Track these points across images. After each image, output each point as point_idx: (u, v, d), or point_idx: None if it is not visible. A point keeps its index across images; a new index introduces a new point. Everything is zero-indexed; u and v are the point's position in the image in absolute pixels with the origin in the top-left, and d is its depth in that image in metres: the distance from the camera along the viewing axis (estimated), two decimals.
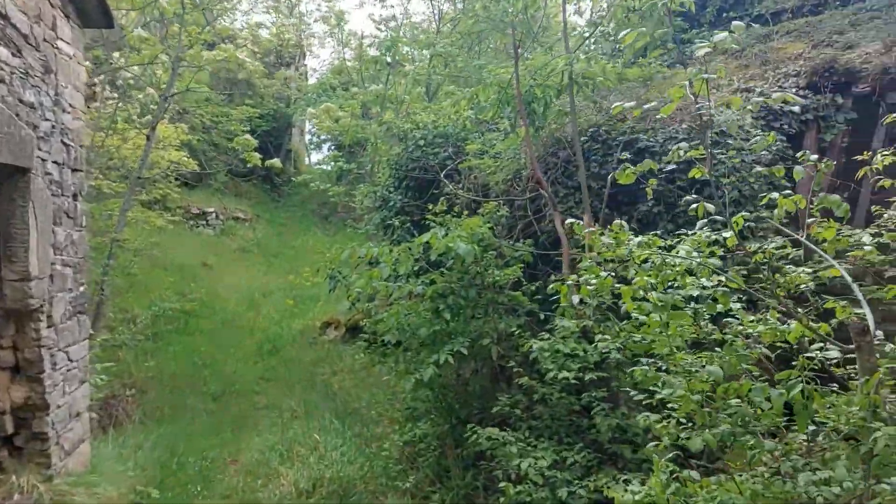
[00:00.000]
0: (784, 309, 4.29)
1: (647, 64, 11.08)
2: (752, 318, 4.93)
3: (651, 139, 9.52)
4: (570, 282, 4.87)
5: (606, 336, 7.14)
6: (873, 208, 7.13)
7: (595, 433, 7.92)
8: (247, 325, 18.94)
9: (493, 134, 11.67)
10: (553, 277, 9.33)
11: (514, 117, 9.80)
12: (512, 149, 10.37)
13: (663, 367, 6.43)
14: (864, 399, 3.92)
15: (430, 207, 10.04)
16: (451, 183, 11.14)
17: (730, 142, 9.38)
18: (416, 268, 9.80)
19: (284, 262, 24.49)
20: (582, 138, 10.09)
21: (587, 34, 11.01)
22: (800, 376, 3.86)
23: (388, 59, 15.43)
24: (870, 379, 4.10)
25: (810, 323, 3.93)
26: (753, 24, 13.68)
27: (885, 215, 6.16)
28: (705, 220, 4.96)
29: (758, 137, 4.87)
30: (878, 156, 5.61)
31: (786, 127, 10.12)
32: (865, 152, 5.73)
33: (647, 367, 4.93)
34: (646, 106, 4.90)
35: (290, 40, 20.87)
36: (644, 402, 6.56)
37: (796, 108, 10.19)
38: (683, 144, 4.76)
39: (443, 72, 14.41)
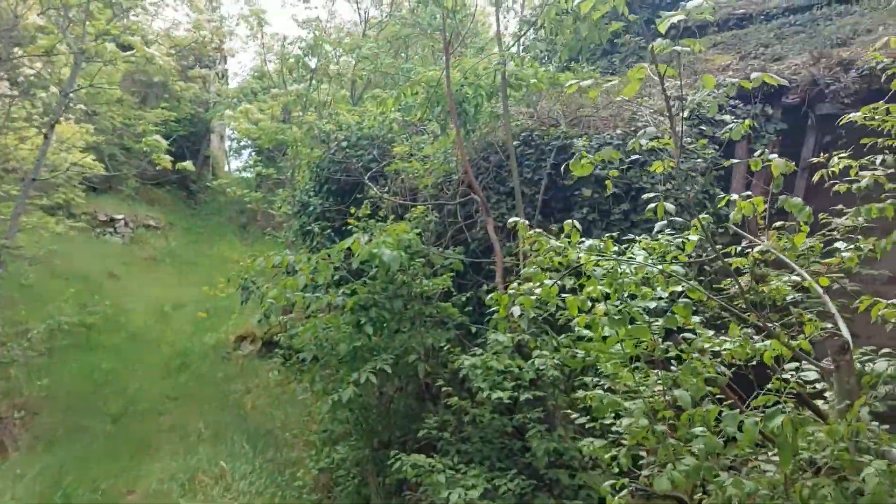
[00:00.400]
0: (760, 323, 3.74)
1: (580, 69, 10.65)
2: (711, 333, 4.39)
3: (585, 144, 9.03)
4: (511, 291, 4.19)
5: (544, 352, 6.53)
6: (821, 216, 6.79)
7: (530, 457, 7.30)
8: (155, 339, 17.63)
9: (421, 137, 11.00)
10: (485, 287, 8.70)
11: (445, 118, 9.18)
12: (441, 152, 9.72)
13: (606, 387, 5.87)
14: (847, 427, 3.40)
15: (354, 212, 9.26)
16: (376, 186, 10.40)
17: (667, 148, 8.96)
18: (336, 277, 9.00)
19: (199, 272, 23.19)
20: (514, 143, 9.53)
21: (521, 33, 10.51)
22: (778, 402, 3.29)
23: (311, 63, 14.62)
24: (851, 404, 3.58)
25: (787, 340, 3.37)
26: (682, 37, 13.51)
27: (838, 221, 5.78)
28: (664, 222, 4.39)
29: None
30: (835, 158, 5.21)
31: (717, 136, 9.82)
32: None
33: (602, 393, 4.28)
34: (606, 84, 4.30)
35: (208, 38, 19.73)
36: (587, 426, 5.98)
37: (727, 118, 9.93)
38: (651, 130, 4.17)
39: (368, 68, 13.64)
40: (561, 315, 7.11)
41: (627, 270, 3.98)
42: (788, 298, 4.56)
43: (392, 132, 10.93)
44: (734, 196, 4.62)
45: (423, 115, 9.26)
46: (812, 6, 12.07)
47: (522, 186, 9.22)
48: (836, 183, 5.36)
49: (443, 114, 9.08)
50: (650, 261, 3.95)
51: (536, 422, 7.34)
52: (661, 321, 3.97)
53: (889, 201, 4.88)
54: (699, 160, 9.04)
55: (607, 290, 4.05)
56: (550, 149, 9.23)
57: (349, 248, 7.70)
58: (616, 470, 4.66)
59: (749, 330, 4.06)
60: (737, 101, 10.14)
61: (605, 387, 5.90)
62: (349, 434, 9.23)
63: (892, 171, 5.24)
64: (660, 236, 4.39)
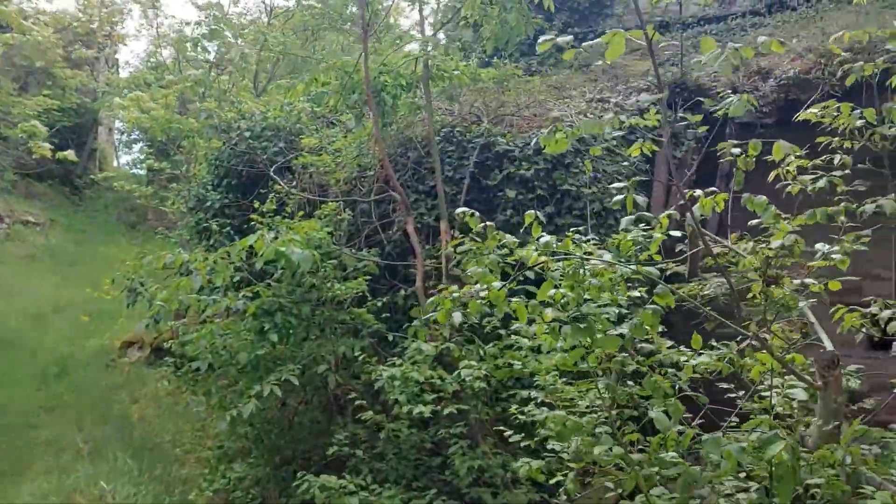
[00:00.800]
0: (756, 334, 3.27)
1: (502, 65, 10.18)
2: (669, 344, 3.91)
3: (510, 143, 8.54)
4: (451, 294, 3.57)
5: (472, 361, 5.96)
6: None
7: (450, 475, 6.69)
8: (30, 345, 15.86)
9: (332, 130, 10.22)
10: (403, 293, 8.05)
11: (361, 107, 8.48)
12: (355, 145, 9.01)
13: (540, 401, 5.36)
14: (841, 453, 2.95)
15: (258, 207, 8.40)
16: (283, 181, 9.57)
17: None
18: (236, 279, 8.14)
19: (82, 273, 21.32)
20: (436, 138, 8.95)
21: (445, 20, 9.94)
22: (773, 426, 2.82)
23: (210, 48, 13.54)
24: (839, 425, 3.15)
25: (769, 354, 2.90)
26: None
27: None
28: (632, 217, 3.87)
29: (735, 100, 3.87)
30: (792, 156, 4.89)
31: (641, 141, 9.54)
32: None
33: (556, 413, 3.71)
34: (585, 43, 3.77)
35: (97, 22, 18.19)
36: (511, 441, 5.44)
37: (650, 124, 9.69)
38: (644, 96, 3.64)
39: (272, 59, 12.65)
40: (488, 322, 6.59)
41: (588, 272, 3.43)
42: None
43: (300, 123, 10.11)
44: (697, 192, 4.18)
45: (337, 103, 8.52)
46: (727, 17, 12.12)
47: (444, 185, 8.64)
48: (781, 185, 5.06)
49: (359, 103, 8.38)
50: (619, 261, 3.42)
51: (458, 437, 6.74)
52: (623, 329, 3.44)
53: (843, 205, 4.58)
54: (625, 163, 8.72)
55: (565, 294, 3.49)
56: (473, 146, 8.69)
57: (252, 247, 6.88)
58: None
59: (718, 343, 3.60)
60: (658, 107, 9.93)
61: (539, 401, 5.39)
62: (248, 451, 8.34)
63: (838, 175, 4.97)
64: (628, 233, 3.87)
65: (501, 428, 5.72)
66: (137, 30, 26.36)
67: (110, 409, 13.44)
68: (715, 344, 3.70)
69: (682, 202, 9.48)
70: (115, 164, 33.75)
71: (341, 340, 7.30)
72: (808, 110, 5.10)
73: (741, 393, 4.09)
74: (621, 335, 3.25)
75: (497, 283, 3.58)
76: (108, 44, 30.06)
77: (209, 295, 8.06)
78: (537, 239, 3.70)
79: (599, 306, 3.45)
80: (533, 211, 3.95)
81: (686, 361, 3.41)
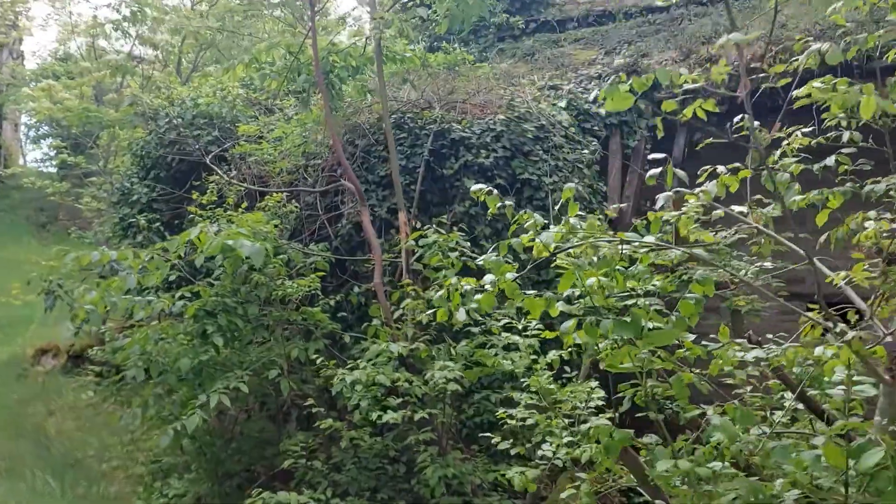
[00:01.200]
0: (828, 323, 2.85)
1: (451, 50, 9.65)
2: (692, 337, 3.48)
3: (466, 130, 8.03)
4: (467, 286, 3.03)
5: (448, 363, 5.42)
6: None
7: (418, 484, 6.13)
8: None
9: (270, 116, 9.45)
10: (357, 289, 7.44)
11: (308, 90, 7.79)
12: (299, 132, 8.30)
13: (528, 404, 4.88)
14: None
15: (196, 197, 7.61)
16: (219, 171, 8.80)
17: (553, 138, 8.19)
18: (171, 278, 7.36)
19: None
20: (383, 125, 8.35)
21: None
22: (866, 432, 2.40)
23: (131, 31, 12.51)
24: None
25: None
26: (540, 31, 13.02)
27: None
28: (669, 195, 3.40)
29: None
30: (798, 133, 4.56)
31: (595, 129, 9.22)
32: None
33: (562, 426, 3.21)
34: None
35: None
36: (505, 451, 4.93)
37: (602, 111, 9.38)
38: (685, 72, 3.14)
39: (201, 35, 11.67)
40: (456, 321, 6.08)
41: (618, 258, 2.95)
42: None
43: (236, 110, 9.32)
44: (721, 168, 3.76)
45: (281, 86, 7.82)
46: (669, 6, 11.94)
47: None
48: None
49: (305, 86, 7.69)
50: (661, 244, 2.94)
51: (426, 443, 6.19)
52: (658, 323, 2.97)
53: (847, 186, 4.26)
54: (585, 152, 8.35)
55: (587, 284, 2.99)
56: (426, 133, 8.13)
57: (191, 242, 6.14)
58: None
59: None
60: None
61: (525, 403, 4.91)
62: (187, 465, 7.56)
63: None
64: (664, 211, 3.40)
65: (488, 434, 5.20)
66: (45, 19, 24.50)
67: (23, 423, 12.26)
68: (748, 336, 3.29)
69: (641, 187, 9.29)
70: (21, 161, 31.83)
71: (292, 343, 6.62)
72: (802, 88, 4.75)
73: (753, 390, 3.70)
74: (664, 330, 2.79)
75: (510, 274, 3.05)
76: (11, 33, 28.20)
77: (139, 295, 7.25)
78: (543, 227, 3.18)
79: (632, 297, 2.98)
80: (495, 193, 3.44)
81: (741, 355, 2.97)
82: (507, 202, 3.64)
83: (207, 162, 8.32)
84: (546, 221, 3.38)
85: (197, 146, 8.90)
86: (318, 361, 6.52)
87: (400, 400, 6.01)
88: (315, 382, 6.77)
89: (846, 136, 4.43)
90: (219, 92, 9.25)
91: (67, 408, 12.94)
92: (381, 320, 6.50)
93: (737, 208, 3.92)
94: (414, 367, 6.44)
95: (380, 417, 5.64)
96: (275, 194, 7.46)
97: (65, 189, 13.72)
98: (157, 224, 9.07)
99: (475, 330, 5.98)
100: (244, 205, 7.43)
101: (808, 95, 4.09)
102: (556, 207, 7.75)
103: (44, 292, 9.23)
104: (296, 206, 7.62)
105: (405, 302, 6.24)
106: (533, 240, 3.26)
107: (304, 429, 7.22)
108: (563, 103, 8.82)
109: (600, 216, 8.16)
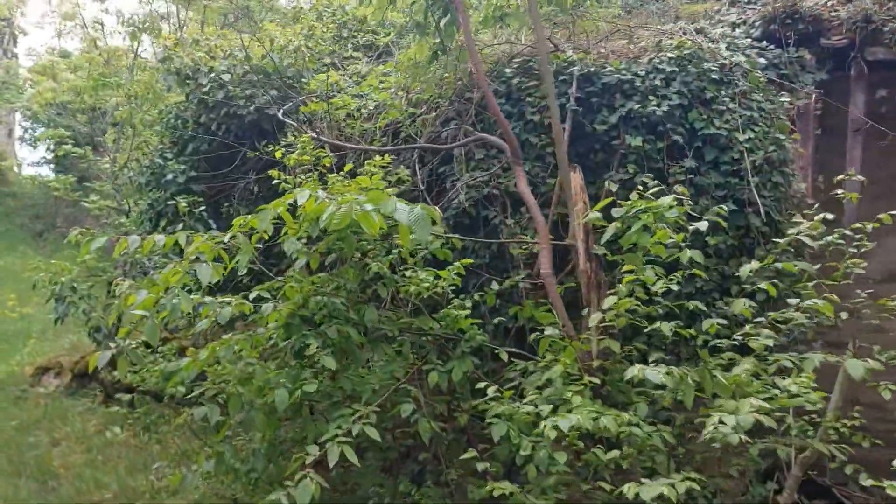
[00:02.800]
0: None
1: None
2: None
3: (625, 71, 5.88)
4: None
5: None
6: None
7: None
8: None
9: (353, 66, 7.23)
10: (497, 285, 5.21)
11: (427, 13, 5.58)
12: (406, 76, 6.12)
13: None
14: None
15: (281, 155, 5.39)
16: (274, 146, 6.63)
17: (739, 83, 6.04)
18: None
19: None
20: (506, 71, 6.19)
21: None
22: None
23: None
24: None
25: None
26: None
27: None
28: None
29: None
30: None
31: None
32: None
33: None
34: None
35: None
36: None
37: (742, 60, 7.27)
38: None
39: None
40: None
41: None
42: None
43: (300, 64, 7.12)
44: None
45: (386, 8, 5.64)
46: None
47: (528, 135, 5.91)
48: None
49: (420, 13, 5.52)
50: None
51: None
52: None
53: None
54: (784, 99, 6.23)
55: None
56: (564, 80, 5.99)
57: (295, 208, 3.96)
58: None
59: None
60: (765, 44, 7.47)
61: None
62: None
63: None
64: None
65: None
66: (41, 17, 22.39)
67: (23, 456, 9.94)
68: None
69: None
70: (15, 169, 29.96)
71: (433, 364, 4.42)
72: None
73: None
74: None
75: None
76: (5, 34, 26.48)
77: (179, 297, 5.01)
78: None
79: None
80: None
81: None
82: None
83: (281, 116, 6.12)
84: None
85: (251, 109, 6.72)
86: (459, 389, 4.34)
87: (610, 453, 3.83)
88: (457, 418, 4.57)
89: None
90: (279, 42, 7.05)
91: (75, 437, 10.65)
92: (558, 329, 4.31)
93: None
94: (607, 397, 4.28)
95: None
96: (377, 157, 5.24)
97: (71, 181, 11.50)
98: (203, 210, 6.85)
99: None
100: (345, 170, 5.17)
101: None
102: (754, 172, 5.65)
103: (53, 298, 7.06)
104: (406, 173, 5.39)
105: (610, 301, 4.05)
106: None
107: (419, 483, 4.97)
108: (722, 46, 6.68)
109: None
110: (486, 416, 4.23)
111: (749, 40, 7.28)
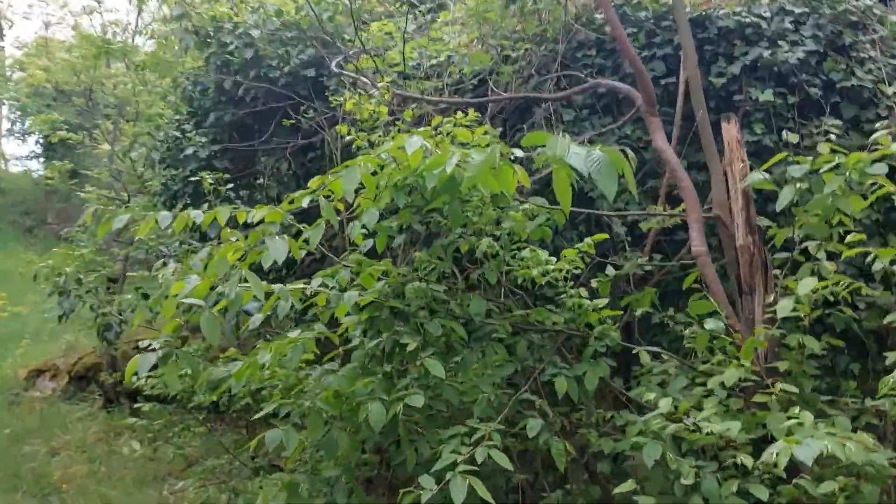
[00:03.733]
0: None
1: None
2: None
3: (746, 13, 4.86)
4: None
5: None
6: None
7: None
8: None
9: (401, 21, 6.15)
10: (637, 261, 4.20)
11: None
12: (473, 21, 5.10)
13: None
14: None
15: (350, 109, 4.33)
16: (312, 112, 5.61)
17: (876, 27, 5.06)
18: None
19: None
20: (597, 17, 5.17)
21: None
22: None
23: None
24: None
25: None
26: None
27: None
28: None
29: None
30: None
31: None
32: None
33: None
34: None
35: None
36: None
37: None
38: None
39: None
40: None
41: None
42: None
43: (334, 21, 6.06)
44: None
45: None
46: None
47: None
48: None
49: None
50: None
51: None
52: None
53: None
54: None
55: None
56: (668, 27, 5.00)
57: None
58: None
59: None
60: None
61: None
62: None
63: None
64: None
65: None
66: (29, 6, 21.15)
67: (19, 469, 8.89)
68: None
69: None
70: (2, 164, 28.99)
71: (558, 370, 3.39)
72: None
73: None
74: None
75: None
76: None
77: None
78: None
79: None
80: None
81: None
82: None
83: (333, 68, 5.09)
84: None
85: (284, 69, 5.68)
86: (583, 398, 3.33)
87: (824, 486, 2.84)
88: (580, 435, 3.55)
89: None
90: None
91: (75, 446, 9.62)
92: (723, 321, 3.30)
93: None
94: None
95: None
96: (459, 114, 4.20)
97: (68, 166, 10.40)
98: (228, 187, 5.78)
99: None
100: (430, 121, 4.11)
101: None
102: None
103: (57, 292, 6.00)
104: (493, 130, 4.34)
105: (808, 283, 3.04)
106: None
107: None
108: None
109: None
110: (627, 432, 3.27)
111: None
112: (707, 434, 2.87)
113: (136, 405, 7.01)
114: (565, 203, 2.54)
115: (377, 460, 3.66)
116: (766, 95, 4.63)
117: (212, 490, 6.17)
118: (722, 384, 3.16)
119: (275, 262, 2.84)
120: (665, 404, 2.90)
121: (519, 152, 3.05)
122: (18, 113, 24.29)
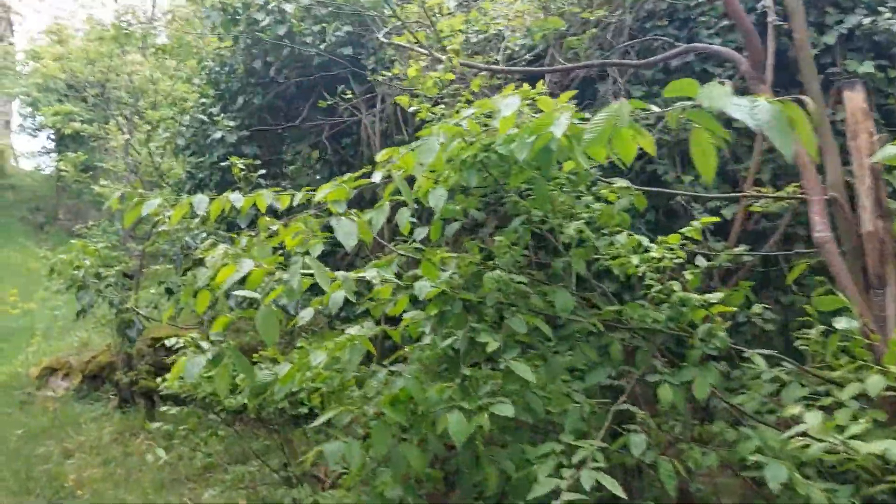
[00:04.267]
0: None
1: None
2: None
3: None
4: None
5: None
6: None
7: None
8: None
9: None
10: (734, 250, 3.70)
11: None
12: None
13: None
14: None
15: (416, 81, 3.85)
16: (355, 91, 5.12)
17: None
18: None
19: None
20: None
21: None
22: None
23: None
24: None
25: None
26: None
27: None
28: None
29: None
30: None
31: None
32: None
33: None
34: None
35: None
36: None
37: None
38: None
39: None
40: None
41: None
42: None
43: None
44: None
45: None
46: None
47: (703, 65, 4.42)
48: None
49: None
50: None
51: None
52: None
53: None
54: None
55: None
56: None
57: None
58: None
59: None
60: None
61: None
62: None
63: None
64: None
65: None
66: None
67: (31, 470, 8.46)
68: None
69: None
70: (12, 162, 28.95)
71: (657, 374, 2.90)
72: None
73: None
74: None
75: None
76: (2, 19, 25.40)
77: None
78: None
79: None
80: None
81: None
82: None
83: (382, 38, 4.60)
84: None
85: (320, 47, 5.20)
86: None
87: None
88: (677, 450, 3.06)
89: None
90: None
91: (89, 447, 9.20)
92: (859, 321, 2.80)
93: None
94: None
95: None
96: (526, 85, 3.72)
97: (82, 158, 9.95)
98: (259, 174, 5.32)
99: None
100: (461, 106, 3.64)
101: None
102: None
103: (75, 287, 5.55)
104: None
105: None
106: None
107: None
108: None
109: None
110: (741, 448, 2.78)
111: None
112: (866, 455, 2.36)
113: (152, 405, 6.58)
114: (706, 170, 2.05)
115: (440, 476, 3.18)
116: (866, 67, 4.12)
117: (238, 497, 5.72)
118: (860, 394, 2.67)
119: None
120: (813, 418, 2.40)
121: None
122: (29, 108, 24.06)
